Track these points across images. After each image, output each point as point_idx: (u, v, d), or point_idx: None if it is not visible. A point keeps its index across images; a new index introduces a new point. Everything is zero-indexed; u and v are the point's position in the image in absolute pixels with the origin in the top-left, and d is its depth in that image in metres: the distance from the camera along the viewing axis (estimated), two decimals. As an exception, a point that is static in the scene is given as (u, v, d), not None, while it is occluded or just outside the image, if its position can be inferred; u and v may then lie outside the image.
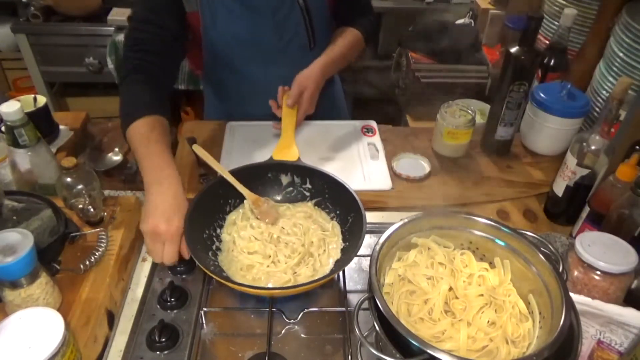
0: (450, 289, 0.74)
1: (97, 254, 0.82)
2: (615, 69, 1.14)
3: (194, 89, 2.14)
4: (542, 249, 0.73)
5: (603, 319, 0.70)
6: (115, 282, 0.83)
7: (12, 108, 0.85)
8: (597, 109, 1.19)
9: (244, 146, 1.16)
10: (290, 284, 0.83)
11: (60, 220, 0.84)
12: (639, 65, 1.09)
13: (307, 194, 0.99)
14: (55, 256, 0.82)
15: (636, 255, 0.74)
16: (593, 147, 0.89)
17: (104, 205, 0.92)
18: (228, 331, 0.82)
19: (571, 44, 1.35)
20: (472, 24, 1.95)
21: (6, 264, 0.65)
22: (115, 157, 1.10)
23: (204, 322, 0.82)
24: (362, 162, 1.13)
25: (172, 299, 0.83)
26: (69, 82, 2.36)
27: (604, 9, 1.26)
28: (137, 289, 0.87)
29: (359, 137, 1.21)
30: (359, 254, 0.80)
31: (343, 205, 0.93)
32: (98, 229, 0.87)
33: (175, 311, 0.83)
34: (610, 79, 1.16)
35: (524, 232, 0.76)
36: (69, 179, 0.86)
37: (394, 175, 1.11)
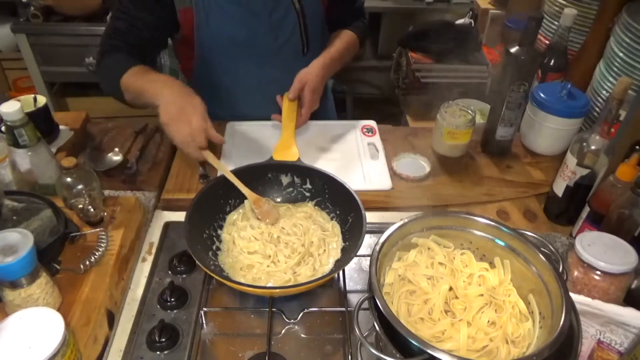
0: (450, 289, 0.74)
1: (97, 254, 0.82)
2: (615, 69, 1.14)
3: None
4: (542, 249, 0.73)
5: (603, 319, 0.70)
6: (115, 282, 0.83)
7: (12, 108, 0.84)
8: (597, 109, 1.19)
9: (243, 146, 1.16)
10: (290, 284, 0.83)
11: (60, 220, 0.84)
12: (639, 65, 1.09)
13: (307, 194, 0.99)
14: (55, 256, 0.82)
15: (636, 255, 0.74)
16: (593, 147, 0.89)
17: (104, 205, 0.92)
18: (228, 331, 0.82)
19: (571, 44, 1.35)
20: (472, 24, 1.95)
21: (6, 264, 0.65)
22: (115, 157, 1.10)
23: (204, 322, 0.82)
24: (362, 162, 1.13)
25: (172, 299, 0.83)
26: (69, 82, 2.36)
27: (604, 9, 1.26)
28: (137, 289, 0.87)
29: (359, 137, 1.21)
30: (359, 254, 0.80)
31: (343, 205, 0.93)
32: (98, 229, 0.87)
33: (175, 311, 0.83)
34: (610, 79, 1.16)
35: (524, 232, 0.76)
36: (69, 179, 0.86)
37: (394, 175, 1.11)
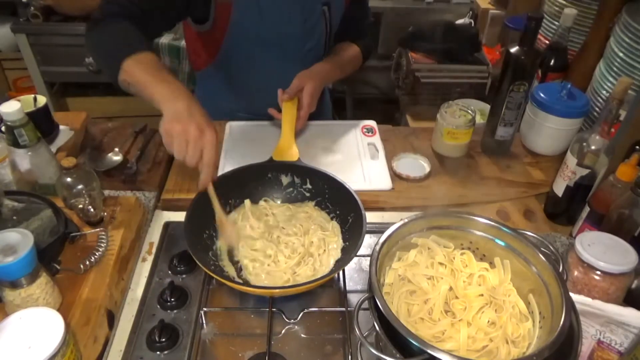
0: (451, 288, 0.74)
1: (97, 254, 0.82)
2: (615, 69, 1.14)
3: (193, 90, 2.15)
4: (542, 249, 0.73)
5: (603, 319, 0.70)
6: (115, 282, 0.83)
7: (12, 108, 0.84)
8: (597, 109, 1.19)
9: (243, 146, 1.16)
10: (290, 284, 0.83)
11: (60, 220, 0.84)
12: (639, 65, 1.09)
13: (307, 194, 0.99)
14: (55, 256, 0.82)
15: (636, 255, 0.74)
16: (593, 147, 0.89)
17: (104, 205, 0.92)
18: (228, 331, 0.82)
19: (571, 44, 1.35)
20: (472, 24, 1.95)
21: (6, 264, 0.65)
22: (115, 157, 1.10)
23: (204, 322, 0.82)
24: (362, 162, 1.13)
25: (172, 299, 0.83)
26: (69, 82, 2.36)
27: (604, 9, 1.26)
28: (137, 289, 0.87)
29: (359, 137, 1.21)
30: (359, 254, 0.80)
31: (343, 205, 0.93)
32: (98, 229, 0.87)
33: (175, 311, 0.83)
34: (610, 79, 1.16)
35: (524, 232, 0.76)
36: (69, 179, 0.86)
37: (394, 175, 1.11)
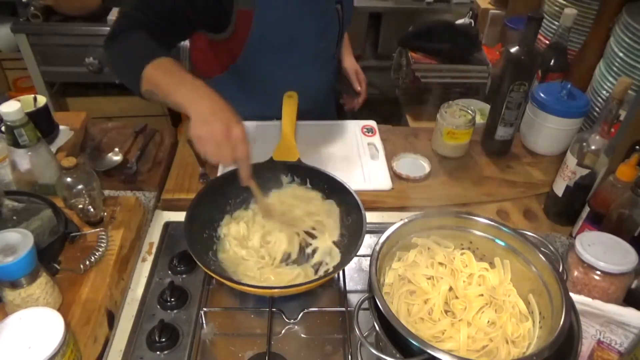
0: (450, 289, 0.74)
1: (97, 254, 0.82)
2: (615, 69, 1.14)
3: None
4: (542, 249, 0.73)
5: (603, 319, 0.70)
6: (115, 282, 0.83)
7: (12, 108, 0.84)
8: (597, 109, 1.19)
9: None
10: (290, 284, 0.83)
11: (60, 220, 0.84)
12: (639, 65, 1.09)
13: (307, 194, 0.99)
14: (55, 256, 0.82)
15: (636, 255, 0.74)
16: (593, 147, 0.89)
17: (104, 205, 0.92)
18: (228, 331, 0.82)
19: (571, 44, 1.35)
20: (472, 24, 1.94)
21: (6, 264, 0.65)
22: (115, 157, 1.10)
23: (204, 322, 0.82)
24: (362, 162, 1.13)
25: (172, 299, 0.83)
26: (69, 82, 2.36)
27: (604, 9, 1.26)
28: (137, 289, 0.87)
29: (359, 137, 1.21)
30: (359, 254, 0.80)
31: (343, 206, 0.93)
32: (98, 229, 0.87)
33: (175, 311, 0.83)
34: (610, 79, 1.16)
35: (524, 232, 0.76)
36: (69, 179, 0.86)
37: (394, 175, 1.11)
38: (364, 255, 0.90)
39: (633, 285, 0.77)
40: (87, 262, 0.81)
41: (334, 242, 0.91)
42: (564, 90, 1.11)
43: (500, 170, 1.15)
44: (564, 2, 1.39)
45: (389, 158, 1.15)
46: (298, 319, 0.81)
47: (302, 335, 0.81)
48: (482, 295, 0.74)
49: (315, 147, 1.17)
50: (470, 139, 1.16)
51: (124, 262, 0.87)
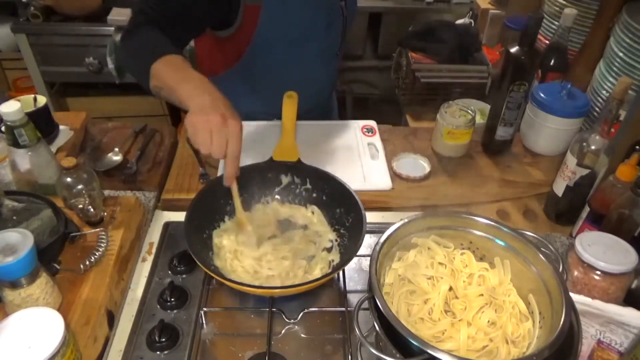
0: (450, 289, 0.74)
1: (97, 254, 0.82)
2: (615, 69, 1.14)
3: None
4: (542, 249, 0.73)
5: (603, 319, 0.70)
6: (115, 282, 0.83)
7: (12, 108, 0.84)
8: (597, 109, 1.19)
9: (243, 146, 1.15)
10: (290, 284, 0.83)
11: (60, 220, 0.84)
12: (639, 65, 1.09)
13: (307, 194, 0.99)
14: (55, 256, 0.82)
15: (636, 255, 0.74)
16: (593, 147, 0.89)
17: (104, 205, 0.92)
18: (228, 331, 0.82)
19: (571, 44, 1.35)
20: (472, 24, 1.94)
21: (6, 264, 0.65)
22: (115, 157, 1.10)
23: (204, 322, 0.82)
24: (362, 162, 1.13)
25: (172, 299, 0.83)
26: (69, 82, 2.36)
27: (604, 9, 1.26)
28: (137, 289, 0.87)
29: (359, 137, 1.21)
30: (359, 254, 0.80)
31: (343, 206, 0.93)
32: (98, 229, 0.87)
33: (175, 311, 0.83)
34: (610, 79, 1.16)
35: (524, 232, 0.76)
36: (69, 179, 0.86)
37: (394, 175, 1.11)
38: (364, 255, 0.90)
39: (633, 285, 0.77)
40: (87, 262, 0.81)
41: (333, 242, 0.92)
42: (564, 90, 1.11)
43: (500, 170, 1.15)
44: (564, 2, 1.39)
45: (389, 158, 1.15)
46: (298, 319, 0.81)
47: (302, 335, 0.81)
48: (482, 295, 0.74)
49: (315, 147, 1.17)
50: (470, 139, 1.16)
51: (124, 262, 0.87)
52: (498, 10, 1.88)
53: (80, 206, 0.87)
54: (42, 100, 1.05)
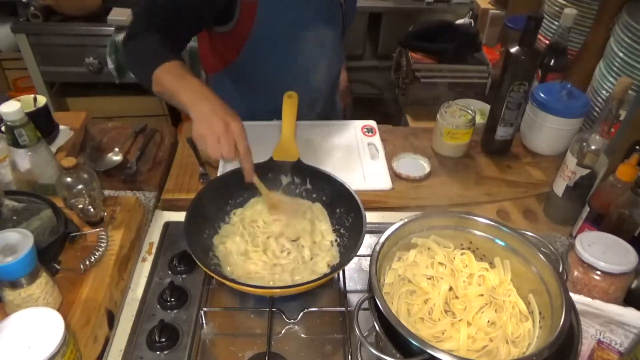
0: (450, 288, 0.74)
1: (97, 254, 0.82)
2: (615, 69, 1.14)
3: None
4: (542, 249, 0.73)
5: (603, 319, 0.70)
6: (115, 282, 0.83)
7: (12, 108, 0.84)
8: (597, 109, 1.19)
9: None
10: (290, 284, 0.83)
11: (60, 220, 0.84)
12: (639, 65, 1.09)
13: (307, 194, 0.99)
14: (55, 256, 0.82)
15: (636, 255, 0.74)
16: (593, 147, 0.89)
17: (104, 205, 0.92)
18: (228, 331, 0.82)
19: (571, 44, 1.35)
20: (472, 24, 1.94)
21: (6, 264, 0.65)
22: (115, 157, 1.10)
23: (204, 322, 0.82)
24: (362, 162, 1.13)
25: (172, 299, 0.83)
26: (69, 82, 2.36)
27: (604, 9, 1.26)
28: (137, 289, 0.87)
29: (359, 137, 1.21)
30: (359, 254, 0.80)
31: (343, 205, 0.93)
32: (98, 229, 0.87)
33: (175, 311, 0.83)
34: (610, 79, 1.16)
35: (524, 232, 0.76)
36: (69, 179, 0.86)
37: (394, 175, 1.11)
38: (364, 255, 0.90)
39: (633, 285, 0.77)
40: (87, 262, 0.81)
41: (333, 242, 0.92)
42: (564, 90, 1.11)
43: (500, 170, 1.15)
44: (564, 2, 1.39)
45: (389, 158, 1.15)
46: (298, 319, 0.81)
47: (302, 335, 0.81)
48: (482, 295, 0.74)
49: (315, 147, 1.17)
50: (470, 139, 1.16)
51: (124, 262, 0.87)
52: (498, 10, 1.88)
53: (80, 206, 0.87)
54: (42, 100, 1.05)
